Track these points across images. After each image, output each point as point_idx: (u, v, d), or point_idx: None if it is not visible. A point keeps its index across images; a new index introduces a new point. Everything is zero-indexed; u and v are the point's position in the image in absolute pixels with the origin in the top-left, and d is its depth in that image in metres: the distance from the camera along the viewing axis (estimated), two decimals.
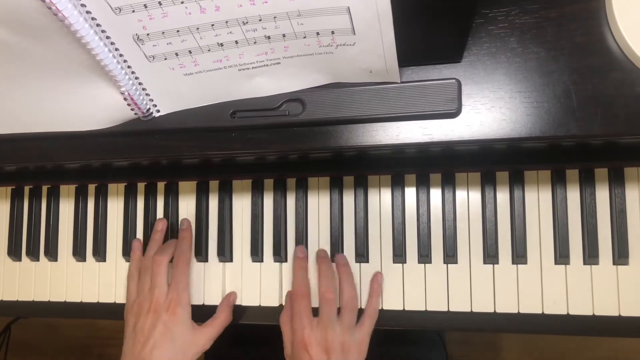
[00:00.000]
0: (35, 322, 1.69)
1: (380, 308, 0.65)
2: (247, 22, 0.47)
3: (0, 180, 0.79)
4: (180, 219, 0.72)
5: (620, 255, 0.60)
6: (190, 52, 0.50)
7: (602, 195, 0.62)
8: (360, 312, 0.65)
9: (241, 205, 0.71)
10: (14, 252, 0.78)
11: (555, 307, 0.61)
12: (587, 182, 0.62)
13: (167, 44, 0.49)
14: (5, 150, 0.62)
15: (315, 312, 0.63)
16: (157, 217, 0.73)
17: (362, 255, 0.66)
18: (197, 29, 0.47)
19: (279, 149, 0.56)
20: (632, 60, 0.48)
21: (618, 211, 0.61)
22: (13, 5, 0.43)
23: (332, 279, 0.64)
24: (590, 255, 0.61)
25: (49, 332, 1.71)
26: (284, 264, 0.69)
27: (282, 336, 0.64)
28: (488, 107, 0.51)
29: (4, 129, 0.61)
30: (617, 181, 0.61)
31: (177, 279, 0.65)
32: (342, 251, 0.67)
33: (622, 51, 0.49)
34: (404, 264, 0.66)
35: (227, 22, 0.47)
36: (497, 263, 0.63)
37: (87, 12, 0.45)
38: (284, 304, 0.68)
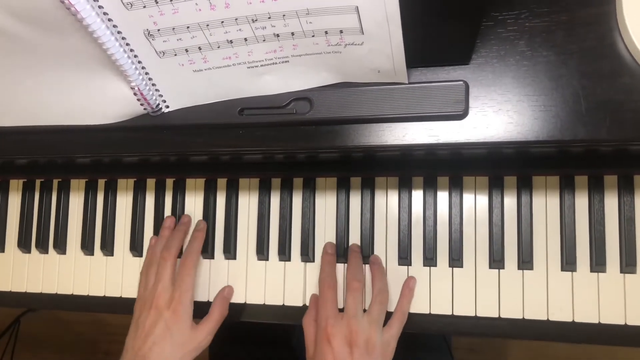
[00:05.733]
0: (44, 316, 1.71)
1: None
2: (256, 20, 0.47)
3: (12, 173, 0.80)
4: (187, 215, 0.73)
5: (628, 263, 0.60)
6: (199, 48, 0.51)
7: (611, 202, 0.61)
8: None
9: (248, 203, 0.71)
10: (23, 244, 0.78)
11: (560, 314, 0.61)
12: (595, 189, 0.61)
13: (177, 40, 0.50)
14: (16, 143, 0.63)
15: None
16: (165, 213, 0.74)
17: (367, 256, 0.66)
18: (207, 25, 0.48)
19: (286, 147, 0.57)
20: None
21: (627, 219, 0.60)
22: None
23: (360, 270, 0.63)
24: (598, 263, 0.60)
25: (57, 326, 1.73)
26: (288, 262, 0.69)
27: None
28: (495, 109, 0.51)
29: (16, 122, 0.62)
30: (626, 189, 0.61)
31: (182, 278, 0.65)
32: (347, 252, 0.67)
33: (632, 56, 0.48)
34: (409, 267, 0.66)
35: (236, 19, 0.47)
36: (503, 268, 0.63)
37: (99, 6, 0.46)
38: (287, 304, 0.68)
